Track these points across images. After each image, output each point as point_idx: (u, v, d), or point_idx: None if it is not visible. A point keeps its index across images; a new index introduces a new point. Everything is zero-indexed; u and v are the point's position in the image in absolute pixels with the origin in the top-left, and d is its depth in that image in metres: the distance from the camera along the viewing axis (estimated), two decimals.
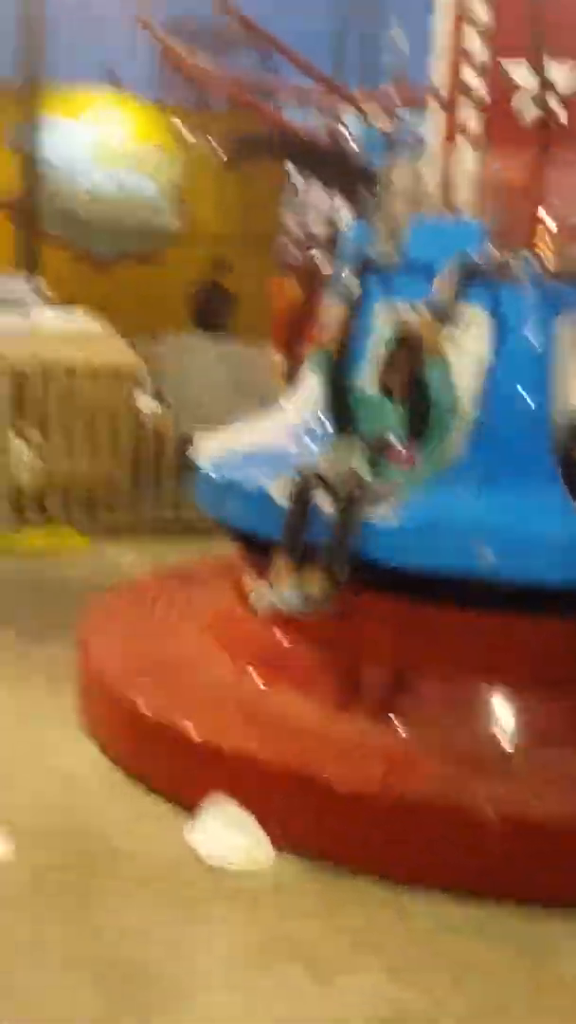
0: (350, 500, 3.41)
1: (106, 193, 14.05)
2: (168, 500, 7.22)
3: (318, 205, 17.29)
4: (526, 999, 2.65)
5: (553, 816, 3.09)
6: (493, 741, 3.49)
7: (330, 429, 3.92)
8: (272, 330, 11.80)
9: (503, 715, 3.55)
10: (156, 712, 3.60)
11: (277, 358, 5.25)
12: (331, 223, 16.92)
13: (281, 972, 2.69)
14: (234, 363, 7.69)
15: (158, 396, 7.87)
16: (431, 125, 4.32)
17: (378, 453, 3.71)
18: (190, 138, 4.43)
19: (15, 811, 3.38)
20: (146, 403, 7.68)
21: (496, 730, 3.52)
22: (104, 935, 2.81)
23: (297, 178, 16.65)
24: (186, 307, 13.22)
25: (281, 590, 3.42)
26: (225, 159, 4.19)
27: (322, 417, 4.00)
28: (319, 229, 17.09)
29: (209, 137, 4.27)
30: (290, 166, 15.43)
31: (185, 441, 7.02)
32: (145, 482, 7.21)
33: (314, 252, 10.53)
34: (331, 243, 15.52)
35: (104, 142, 14.03)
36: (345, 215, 16.98)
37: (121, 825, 3.36)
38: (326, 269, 4.56)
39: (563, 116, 4.03)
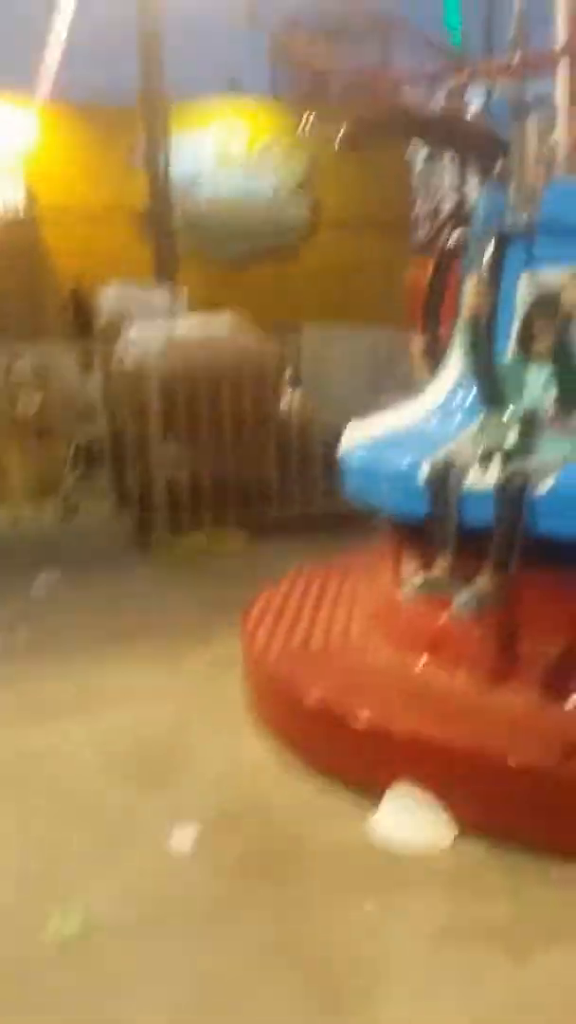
0: (514, 489, 3.33)
1: (229, 196, 14.28)
2: (318, 494, 7.25)
3: (446, 182, 17.10)
4: None
5: None
6: None
7: (479, 405, 3.85)
8: (410, 312, 11.70)
9: None
10: (326, 700, 3.63)
11: (417, 340, 5.19)
12: (461, 198, 16.71)
13: (476, 953, 2.67)
14: (373, 350, 7.65)
15: (301, 390, 7.92)
16: (559, 88, 4.20)
17: (530, 425, 3.63)
18: (313, 129, 4.42)
19: (199, 802, 3.47)
20: (289, 398, 7.75)
21: None
22: (295, 921, 2.84)
23: (422, 157, 16.50)
24: (322, 297, 13.29)
25: (457, 601, 3.36)
26: (351, 144, 4.18)
27: (470, 394, 3.94)
28: (449, 205, 16.90)
29: (333, 125, 4.27)
30: (415, 145, 15.31)
31: (330, 433, 7.07)
32: (294, 478, 7.26)
33: (448, 228, 10.40)
34: (463, 218, 15.32)
35: (226, 147, 14.29)
36: (475, 188, 16.75)
37: (302, 813, 3.39)
38: (462, 244, 4.46)
39: None
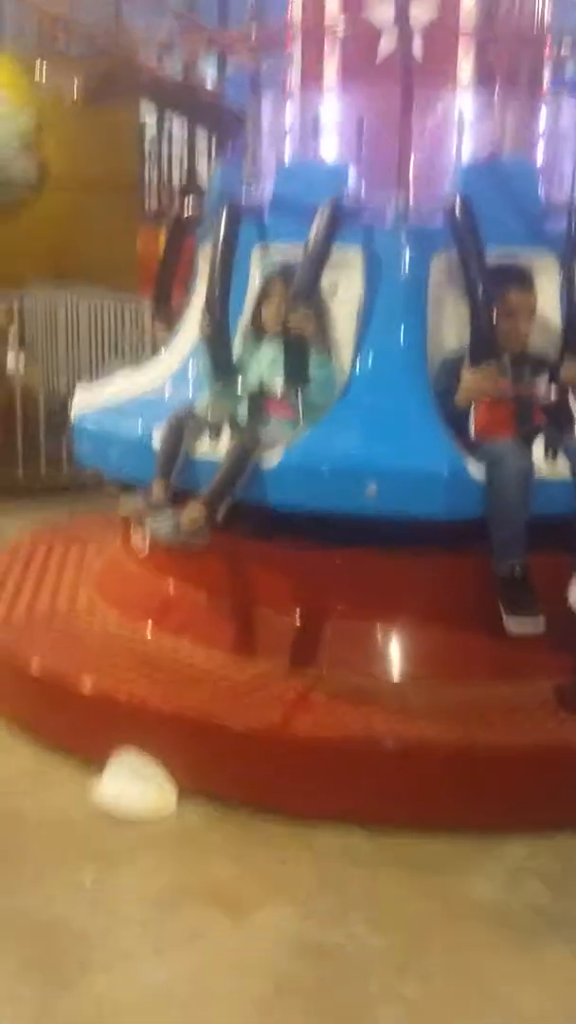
0: (240, 449, 3.40)
1: None
2: (41, 460, 7.07)
3: (174, 152, 17.06)
4: (441, 924, 2.73)
5: (441, 744, 3.17)
6: (386, 676, 3.57)
7: (209, 377, 3.89)
8: (141, 279, 11.59)
9: (394, 651, 3.63)
10: (49, 668, 3.56)
11: (149, 307, 5.17)
12: (190, 167, 16.74)
13: (196, 914, 2.72)
14: (99, 314, 7.53)
15: (24, 352, 7.67)
16: (293, 65, 4.29)
17: (259, 399, 3.71)
18: (47, 80, 4.26)
19: None
20: (12, 360, 7.48)
21: (388, 665, 3.60)
22: (12, 897, 2.78)
23: (154, 122, 16.35)
24: (47, 258, 12.87)
25: (155, 520, 3.39)
26: (84, 100, 4.07)
27: (201, 365, 3.97)
28: (180, 173, 16.89)
29: (67, 79, 4.13)
30: (150, 109, 15.11)
31: (55, 397, 6.91)
32: (17, 443, 7.03)
33: (181, 197, 10.36)
34: (195, 188, 15.38)
35: None
36: (205, 159, 16.82)
37: (21, 785, 3.33)
38: (194, 214, 4.47)
39: (419, 52, 4.04)
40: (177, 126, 16.80)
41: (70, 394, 4.38)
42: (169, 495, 3.51)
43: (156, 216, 15.22)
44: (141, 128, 15.41)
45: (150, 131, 16.09)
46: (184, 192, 15.71)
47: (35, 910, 2.72)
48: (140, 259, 12.46)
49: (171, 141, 16.94)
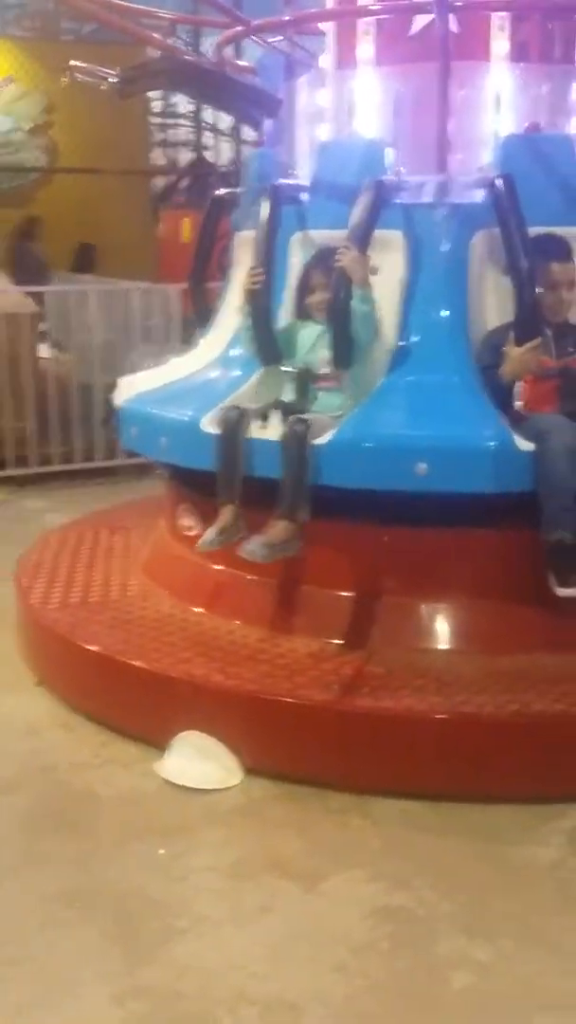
0: (297, 441, 3.41)
1: None
2: (77, 448, 7.15)
3: (181, 135, 17.04)
4: (505, 889, 2.79)
5: (496, 715, 3.22)
6: (437, 650, 3.62)
7: (254, 361, 3.93)
8: (162, 263, 11.62)
9: (444, 625, 3.68)
10: (109, 650, 3.63)
11: (183, 294, 5.21)
12: (199, 153, 16.73)
13: (268, 884, 2.79)
14: (122, 302, 7.57)
15: (54, 342, 7.74)
16: (329, 47, 4.31)
17: (305, 380, 3.76)
18: (67, 70, 4.26)
19: None
20: (45, 350, 7.55)
21: (439, 640, 3.65)
22: (89, 872, 2.86)
23: (168, 108, 16.33)
24: (58, 245, 12.91)
25: (245, 550, 3.39)
26: (125, 90, 4.09)
27: (244, 349, 4.02)
28: (187, 158, 16.89)
29: (97, 68, 4.16)
30: (172, 97, 15.05)
31: (85, 386, 6.98)
32: (52, 431, 7.11)
33: (214, 182, 10.35)
34: (204, 174, 15.33)
35: None
36: (213, 143, 16.74)
37: (88, 766, 3.40)
38: (227, 199, 4.51)
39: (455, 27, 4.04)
40: (184, 106, 16.76)
41: (99, 381, 4.41)
42: (238, 520, 3.53)
43: (162, 199, 15.25)
44: (148, 113, 15.39)
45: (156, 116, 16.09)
46: (193, 174, 15.73)
47: (113, 881, 2.81)
48: (160, 243, 12.53)
49: (176, 125, 16.95)
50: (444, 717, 3.21)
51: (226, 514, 3.54)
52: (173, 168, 17.09)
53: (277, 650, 3.62)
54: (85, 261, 12.78)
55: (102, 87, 4.33)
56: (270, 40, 4.65)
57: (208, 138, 17.67)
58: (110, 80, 4.23)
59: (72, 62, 4.43)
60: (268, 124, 4.43)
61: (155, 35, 4.95)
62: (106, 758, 3.44)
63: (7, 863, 2.90)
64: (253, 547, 3.37)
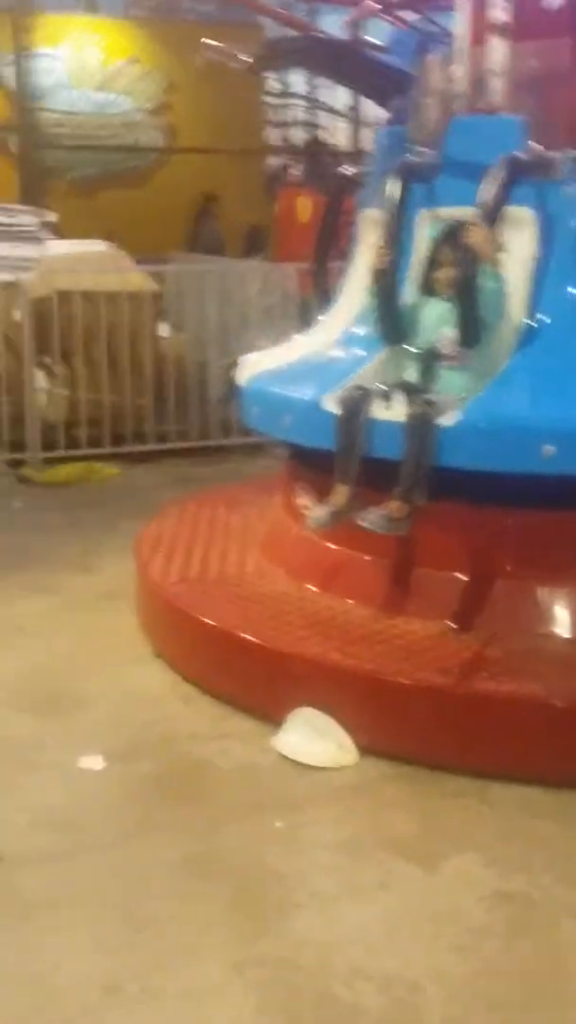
0: (422, 422, 3.39)
1: (81, 116, 13.73)
2: (193, 426, 7.24)
3: (295, 114, 16.96)
4: None
5: None
6: (556, 635, 3.57)
7: (379, 339, 3.91)
8: (281, 245, 11.64)
9: (564, 611, 3.62)
10: (227, 626, 3.68)
11: (305, 273, 5.21)
12: (314, 131, 16.66)
13: (384, 861, 2.80)
14: (239, 282, 7.61)
15: (173, 320, 7.83)
16: (460, 21, 4.23)
17: (431, 359, 3.72)
18: (207, 56, 4.30)
19: (101, 733, 3.48)
20: (164, 328, 7.65)
21: (558, 625, 3.59)
22: (209, 840, 2.91)
23: (284, 87, 16.27)
24: (181, 225, 13.02)
25: (363, 518, 3.42)
26: (259, 68, 4.12)
27: (369, 328, 3.99)
28: (302, 137, 16.84)
29: (230, 48, 4.18)
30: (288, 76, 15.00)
31: (202, 364, 7.05)
32: (169, 408, 7.21)
33: (331, 162, 10.29)
34: (319, 154, 15.25)
35: (79, 66, 13.71)
36: (326, 121, 16.62)
37: (206, 738, 3.45)
38: (352, 178, 4.48)
39: None
40: (299, 86, 16.70)
41: (215, 361, 4.43)
42: (352, 500, 3.54)
43: (277, 179, 15.24)
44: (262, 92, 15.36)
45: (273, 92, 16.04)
46: (309, 153, 15.67)
47: (232, 853, 2.85)
48: (277, 222, 12.53)
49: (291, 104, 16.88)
50: (565, 704, 3.16)
51: (340, 494, 3.54)
52: (289, 148, 17.07)
53: (394, 631, 3.61)
54: (255, 244, 12.79)
55: (233, 65, 4.35)
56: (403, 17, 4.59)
57: (323, 118, 17.58)
58: (242, 58, 4.24)
59: (204, 40, 4.45)
60: (398, 101, 4.38)
61: (287, 13, 4.95)
62: (223, 731, 3.49)
63: (130, 829, 2.97)
64: (373, 517, 3.37)
